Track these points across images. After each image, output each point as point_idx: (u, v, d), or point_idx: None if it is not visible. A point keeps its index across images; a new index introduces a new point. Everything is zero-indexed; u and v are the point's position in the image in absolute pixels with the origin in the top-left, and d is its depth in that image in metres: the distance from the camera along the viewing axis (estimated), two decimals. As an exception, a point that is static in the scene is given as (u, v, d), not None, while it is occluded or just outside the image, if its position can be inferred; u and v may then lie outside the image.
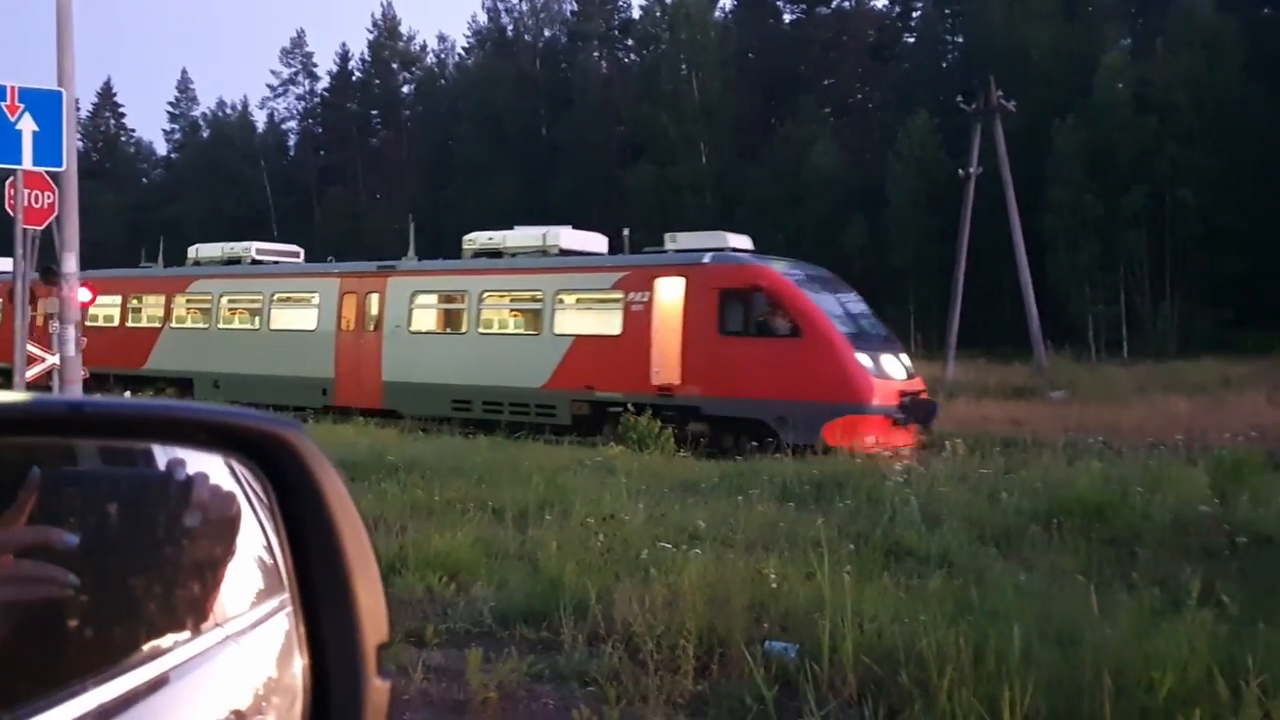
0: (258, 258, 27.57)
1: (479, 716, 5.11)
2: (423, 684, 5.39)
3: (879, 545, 7.71)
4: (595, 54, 77.37)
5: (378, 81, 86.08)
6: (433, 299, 23.68)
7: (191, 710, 1.24)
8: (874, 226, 53.41)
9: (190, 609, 1.25)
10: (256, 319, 26.26)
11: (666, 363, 19.23)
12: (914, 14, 71.09)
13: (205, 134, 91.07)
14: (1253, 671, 4.05)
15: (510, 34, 78.84)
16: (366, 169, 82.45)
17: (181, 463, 1.27)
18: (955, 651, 4.62)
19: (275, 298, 25.95)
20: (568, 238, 22.70)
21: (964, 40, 64.45)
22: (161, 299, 28.08)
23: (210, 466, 1.30)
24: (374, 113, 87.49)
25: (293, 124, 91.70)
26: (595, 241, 23.43)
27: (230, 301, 27.01)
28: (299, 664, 1.27)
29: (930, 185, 50.85)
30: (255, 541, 1.33)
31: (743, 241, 20.81)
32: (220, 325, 26.70)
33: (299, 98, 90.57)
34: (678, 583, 6.05)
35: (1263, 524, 8.56)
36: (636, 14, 73.85)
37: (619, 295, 20.22)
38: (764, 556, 6.99)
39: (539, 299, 21.62)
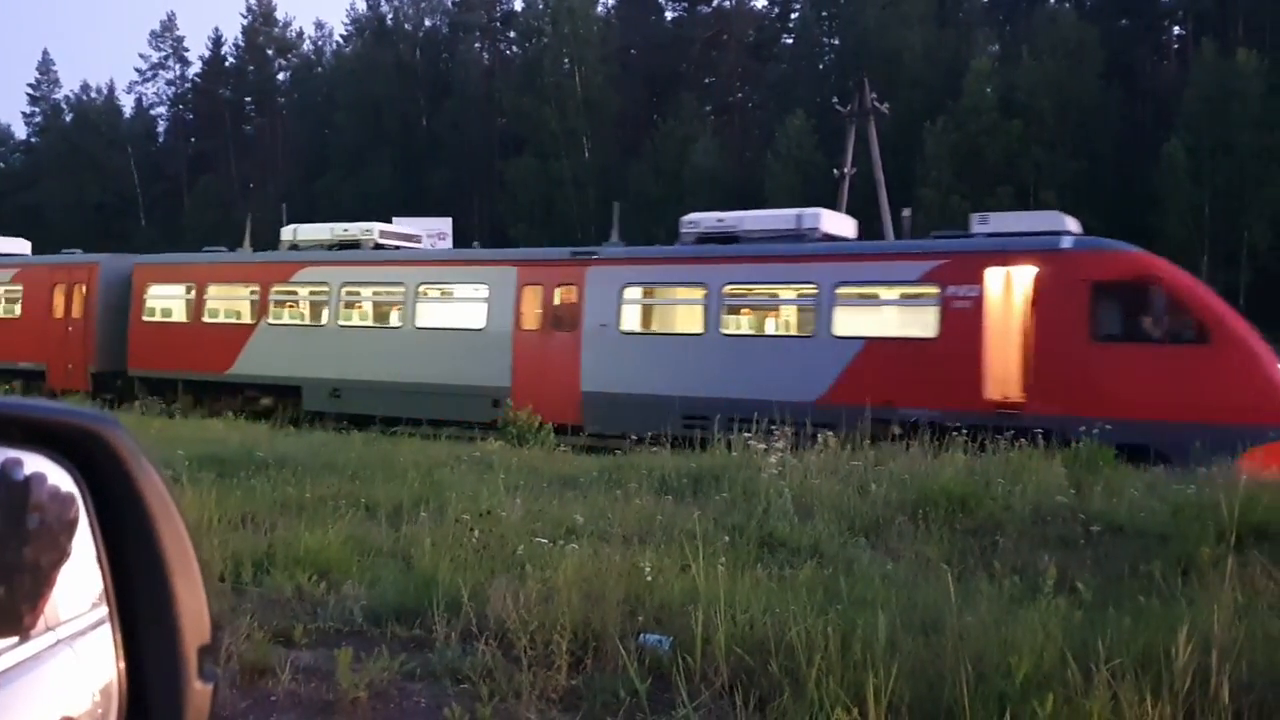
0: (382, 241, 23.63)
1: (349, 716, 5.02)
2: (291, 685, 5.27)
3: (753, 537, 7.81)
4: (476, 45, 76.75)
5: (252, 68, 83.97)
6: (652, 293, 20.08)
7: (13, 716, 1.18)
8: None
9: (20, 612, 1.20)
10: (394, 315, 22.14)
11: (1007, 374, 16.07)
12: (792, 15, 72.24)
13: (68, 118, 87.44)
14: (1103, 656, 4.21)
15: (390, 23, 77.70)
16: (239, 157, 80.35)
17: (19, 463, 1.22)
18: (823, 641, 4.70)
19: (422, 290, 21.77)
20: (830, 221, 19.39)
21: (840, 42, 65.79)
22: (254, 290, 23.72)
23: (49, 467, 1.24)
24: (248, 100, 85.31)
25: (162, 110, 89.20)
26: (848, 225, 20.43)
27: (352, 293, 22.89)
28: (117, 668, 1.23)
29: (807, 184, 51.69)
30: (92, 543, 1.28)
31: (1073, 224, 17.39)
32: (340, 322, 22.55)
33: (169, 83, 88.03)
34: (553, 578, 6.03)
35: (1115, 514, 8.92)
36: (518, 6, 73.55)
37: (932, 289, 16.82)
38: (640, 550, 7.01)
39: (811, 293, 17.97)
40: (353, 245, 23.35)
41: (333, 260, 23.05)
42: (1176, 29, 62.67)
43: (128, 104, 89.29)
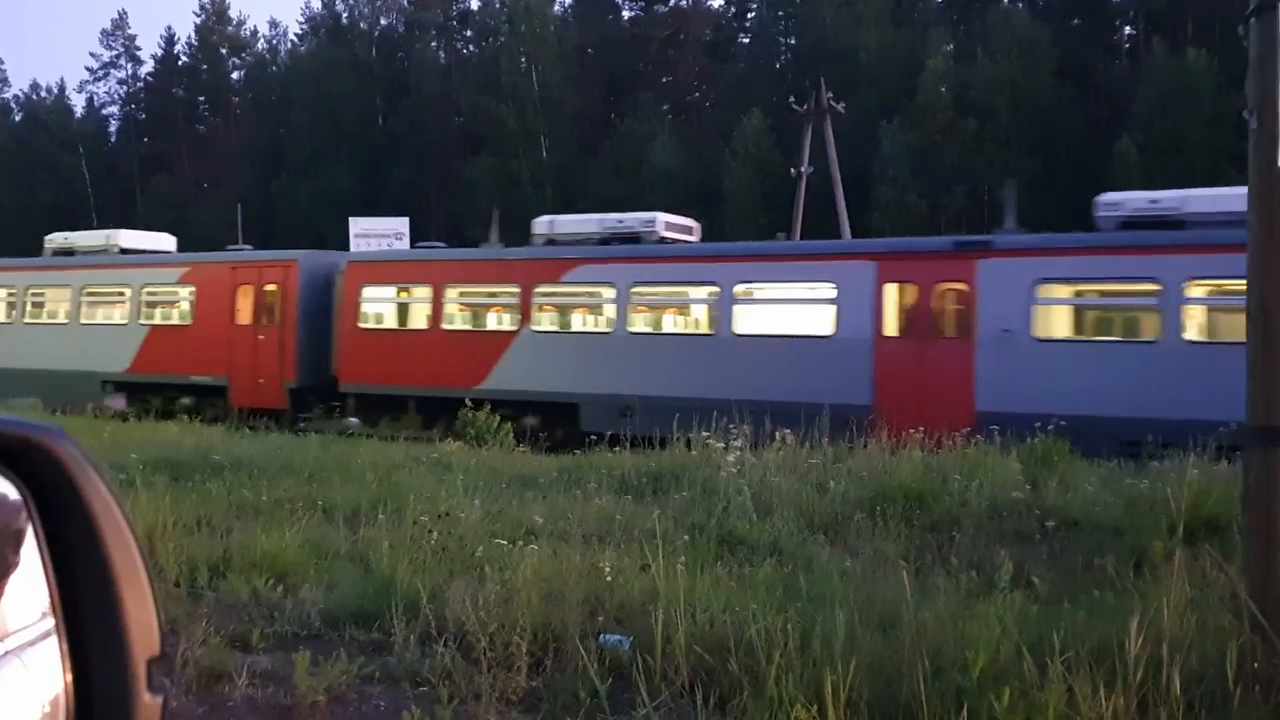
0: (666, 235, 20.65)
1: (306, 721, 4.99)
2: (248, 689, 5.24)
3: (713, 535, 7.84)
4: (433, 44, 76.36)
5: (205, 67, 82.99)
6: (1082, 293, 17.18)
7: None
8: (712, 222, 54.23)
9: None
10: (706, 321, 19.38)
11: None
12: (749, 14, 72.44)
13: (18, 118, 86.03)
14: (1058, 649, 4.27)
15: (345, 22, 77.06)
16: (193, 157, 79.39)
17: None
18: (783, 638, 4.72)
19: (743, 290, 18.80)
20: None
21: (797, 42, 66.00)
22: (512, 292, 20.57)
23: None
24: (201, 99, 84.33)
25: (114, 109, 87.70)
26: None
27: (644, 294, 19.85)
28: (64, 680, 1.21)
29: (764, 183, 52.01)
30: (38, 554, 1.26)
31: None
32: (628, 329, 19.39)
33: (121, 82, 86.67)
34: (512, 579, 6.02)
35: (1070, 508, 9.05)
36: (475, 5, 73.24)
37: None
38: (600, 550, 7.02)
39: None
40: (631, 239, 20.24)
41: (616, 257, 19.83)
42: (1128, 29, 63.49)
43: (79, 103, 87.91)
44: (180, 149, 79.11)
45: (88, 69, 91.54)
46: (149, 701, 1.19)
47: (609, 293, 19.83)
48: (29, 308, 26.38)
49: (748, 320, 18.65)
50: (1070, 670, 4.23)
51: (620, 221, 20.93)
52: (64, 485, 1.21)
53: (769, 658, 4.60)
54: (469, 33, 75.62)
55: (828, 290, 17.93)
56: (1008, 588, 5.48)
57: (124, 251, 25.58)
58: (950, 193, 48.62)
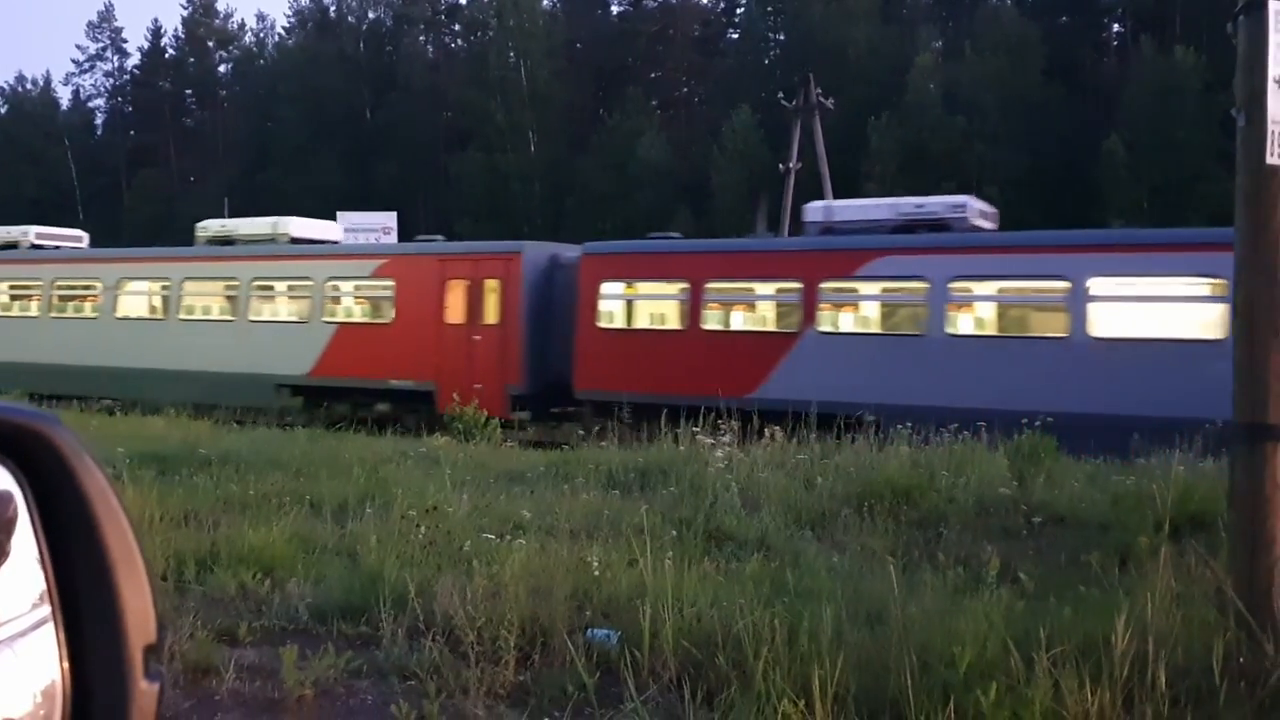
0: (979, 223, 18.48)
1: (294, 715, 4.99)
2: (235, 684, 5.23)
3: (700, 530, 7.84)
4: (421, 38, 76.18)
5: (192, 60, 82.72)
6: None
7: None
8: (700, 218, 54.30)
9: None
10: (1044, 321, 16.96)
11: None
12: (738, 10, 72.48)
13: (2, 110, 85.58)
14: (1044, 644, 4.29)
15: (333, 15, 76.89)
16: (180, 151, 79.14)
17: None
18: (770, 633, 4.73)
19: (1097, 287, 16.02)
20: None
21: (785, 38, 66.09)
22: (790, 289, 18.41)
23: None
24: (188, 92, 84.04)
25: (100, 102, 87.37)
26: None
27: (963, 291, 17.51)
28: (60, 669, 1.21)
29: (753, 178, 51.95)
30: (33, 543, 1.26)
31: None
32: (948, 330, 17.04)
33: (107, 74, 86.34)
34: (500, 573, 6.02)
35: (1057, 504, 9.07)
36: (463, -1, 73.15)
37: None
38: (588, 545, 7.02)
39: None
40: (938, 226, 18.01)
41: (928, 247, 17.55)
42: (1116, 26, 63.71)
43: (65, 96, 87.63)
44: (167, 142, 78.81)
45: (74, 61, 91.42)
46: (145, 688, 1.19)
47: (919, 288, 17.41)
48: (184, 302, 24.13)
49: (1111, 320, 16.10)
50: (1056, 666, 4.25)
51: (920, 206, 18.73)
52: (60, 473, 1.21)
53: (756, 652, 4.61)
54: (457, 27, 75.54)
55: (1209, 286, 15.10)
56: (994, 583, 5.49)
57: (295, 241, 23.57)
58: (938, 190, 48.66)
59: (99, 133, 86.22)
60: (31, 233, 27.09)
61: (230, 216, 25.59)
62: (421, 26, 76.00)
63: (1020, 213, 48.61)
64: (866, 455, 10.90)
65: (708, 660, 4.93)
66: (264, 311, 23.29)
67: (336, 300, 22.63)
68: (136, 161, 78.28)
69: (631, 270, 20.25)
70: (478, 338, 20.27)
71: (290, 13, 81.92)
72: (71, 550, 1.22)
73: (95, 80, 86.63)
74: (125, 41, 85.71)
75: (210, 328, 23.73)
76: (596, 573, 6.17)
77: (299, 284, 22.73)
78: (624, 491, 10.00)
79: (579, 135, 63.53)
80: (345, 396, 21.32)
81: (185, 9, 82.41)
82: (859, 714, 4.34)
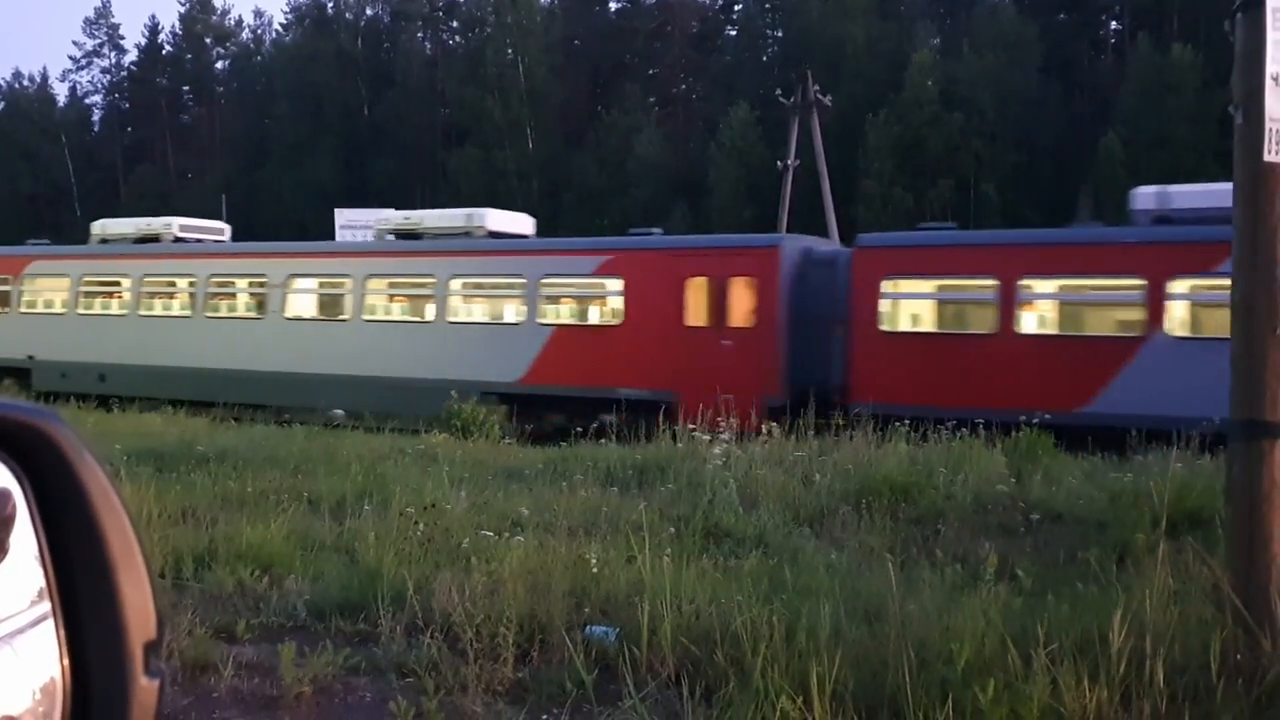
0: None
1: (292, 712, 4.99)
2: (233, 681, 5.23)
3: (699, 528, 7.84)
4: (419, 35, 76.11)
5: (189, 56, 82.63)
6: None
7: None
8: (697, 214, 54.31)
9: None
10: None
11: None
12: (736, 7, 72.45)
13: (0, 106, 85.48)
14: (1042, 641, 4.29)
15: (330, 12, 76.79)
16: (176, 147, 79.06)
17: None
18: (768, 630, 4.73)
19: None
20: None
21: (783, 34, 66.07)
22: (1129, 286, 16.43)
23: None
24: (185, 89, 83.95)
25: (97, 98, 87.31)
26: None
27: None
28: (60, 665, 1.21)
29: (750, 175, 52.03)
30: (33, 539, 1.26)
31: None
32: None
33: (104, 71, 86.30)
34: (498, 570, 6.02)
35: (1054, 502, 9.08)
36: (461, -4, 73.07)
37: None
38: (586, 542, 7.02)
39: None
40: None
41: None
42: (1114, 24, 63.75)
43: (61, 92, 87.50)
44: (163, 138, 78.76)
45: (71, 58, 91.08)
46: (145, 685, 1.19)
47: None
48: (367, 301, 21.87)
49: None
50: (1054, 662, 4.25)
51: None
52: (60, 469, 1.21)
53: (754, 649, 4.61)
54: (455, 24, 75.47)
55: None
56: (992, 580, 5.49)
57: (493, 235, 21.62)
58: (935, 186, 48.73)
59: (95, 129, 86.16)
60: (175, 225, 24.97)
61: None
62: (419, 23, 75.93)
63: (1017, 210, 48.83)
64: (865, 452, 10.90)
65: (706, 657, 4.93)
66: (467, 312, 21.38)
67: (555, 300, 20.69)
68: (133, 158, 78.27)
69: (922, 265, 18.01)
70: (727, 342, 18.34)
71: (287, 9, 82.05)
72: (71, 547, 1.22)
73: (92, 77, 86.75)
74: (123, 38, 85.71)
75: (400, 331, 21.80)
76: (595, 570, 6.17)
77: (510, 283, 20.73)
78: (622, 489, 10.00)
79: (576, 132, 63.49)
80: (559, 406, 19.46)
81: (182, 6, 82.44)
82: (857, 711, 4.34)
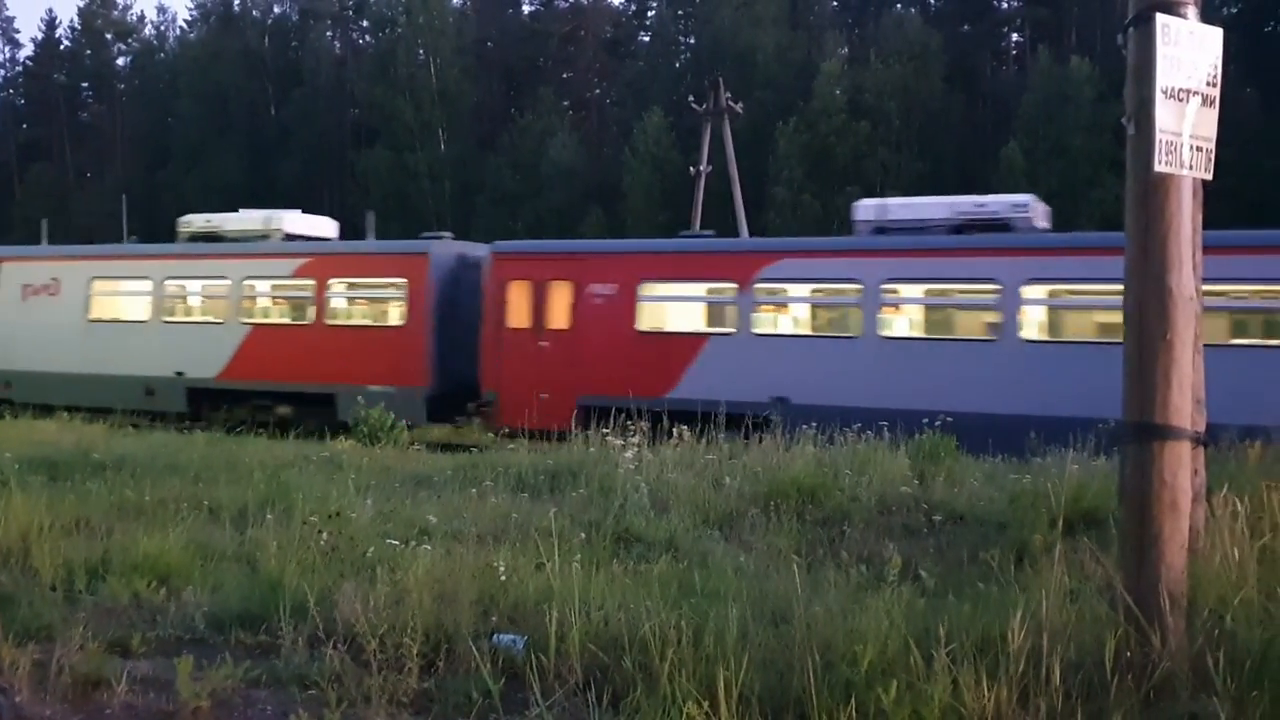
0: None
1: (190, 727, 4.85)
2: (127, 696, 5.08)
3: (609, 533, 7.82)
4: (328, 34, 75.01)
5: (89, 52, 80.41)
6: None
7: None
8: (611, 218, 54.36)
9: None
10: None
11: None
12: (649, 13, 72.71)
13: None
14: (943, 641, 4.35)
15: (237, 9, 75.31)
16: (74, 145, 76.82)
17: None
18: (676, 635, 4.73)
19: None
20: None
21: (695, 41, 66.50)
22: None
23: None
24: (84, 85, 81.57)
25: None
26: None
27: None
28: None
29: (664, 181, 52.25)
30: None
31: None
32: None
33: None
34: (404, 580, 5.93)
35: (956, 503, 9.25)
36: (371, -5, 72.16)
37: None
38: (495, 549, 6.96)
39: None
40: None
41: None
42: (1015, 36, 65.38)
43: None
44: (61, 136, 76.50)
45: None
46: None
47: None
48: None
49: None
50: (955, 662, 4.31)
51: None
52: None
53: (662, 655, 4.61)
54: (365, 23, 74.55)
55: None
56: (896, 581, 5.57)
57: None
58: (844, 193, 49.43)
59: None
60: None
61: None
62: (328, 22, 74.87)
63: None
64: (774, 455, 10.98)
65: (614, 663, 4.91)
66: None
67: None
68: (28, 156, 75.84)
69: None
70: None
71: (192, 6, 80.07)
72: None
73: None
74: (18, 32, 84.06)
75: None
76: (503, 577, 6.11)
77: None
78: (533, 494, 9.95)
79: (489, 134, 63.16)
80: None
81: (82, 0, 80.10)
82: (763, 714, 4.36)
